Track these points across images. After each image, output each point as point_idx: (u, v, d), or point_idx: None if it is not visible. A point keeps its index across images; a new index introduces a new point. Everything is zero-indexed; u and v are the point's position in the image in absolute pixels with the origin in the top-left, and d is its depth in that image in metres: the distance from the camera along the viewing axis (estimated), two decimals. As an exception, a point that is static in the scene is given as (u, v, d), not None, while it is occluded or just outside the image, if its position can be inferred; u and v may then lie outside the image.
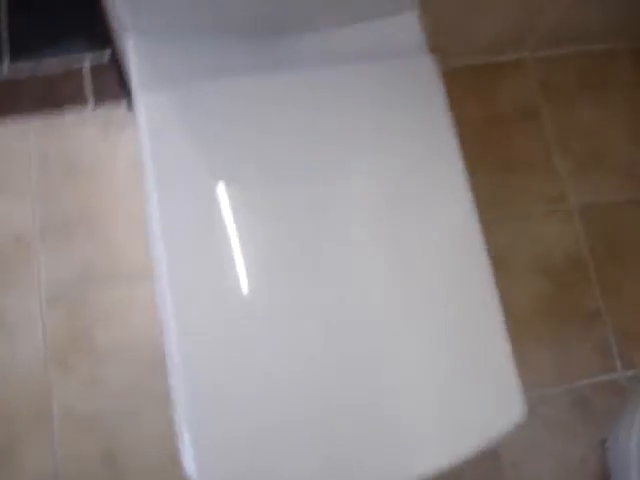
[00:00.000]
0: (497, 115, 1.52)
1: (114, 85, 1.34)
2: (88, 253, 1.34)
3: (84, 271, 1.33)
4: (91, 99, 1.40)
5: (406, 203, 0.94)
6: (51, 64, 1.42)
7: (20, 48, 1.42)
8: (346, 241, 0.92)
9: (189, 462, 0.82)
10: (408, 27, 1.02)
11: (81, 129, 1.41)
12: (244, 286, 0.90)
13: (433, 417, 0.87)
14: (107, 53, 1.42)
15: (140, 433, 1.26)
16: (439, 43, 1.44)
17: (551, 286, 1.43)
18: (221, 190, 0.93)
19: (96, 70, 1.43)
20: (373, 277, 0.91)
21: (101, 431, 1.26)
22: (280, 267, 0.91)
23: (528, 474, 1.33)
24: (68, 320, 1.30)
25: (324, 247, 0.92)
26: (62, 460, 1.24)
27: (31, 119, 1.40)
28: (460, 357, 0.89)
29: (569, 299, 1.43)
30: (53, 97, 1.41)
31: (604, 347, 1.40)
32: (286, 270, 0.91)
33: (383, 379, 0.87)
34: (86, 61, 1.43)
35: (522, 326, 1.40)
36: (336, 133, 0.96)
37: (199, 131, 0.95)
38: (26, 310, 1.30)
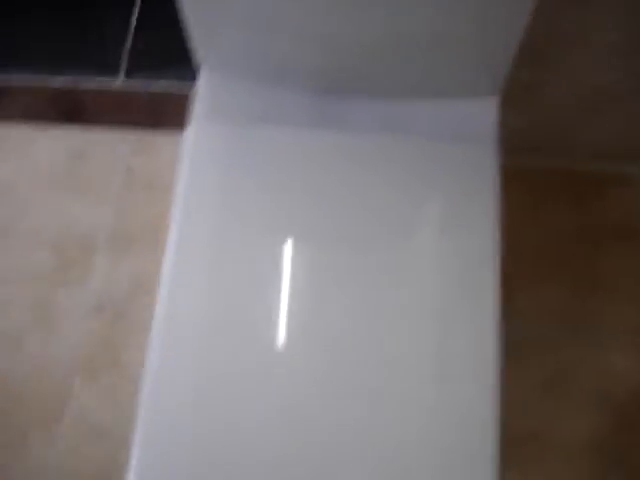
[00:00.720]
0: (589, 229, 1.41)
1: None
2: (143, 269, 1.37)
3: (134, 285, 1.36)
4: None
5: (431, 309, 0.88)
6: (161, 84, 1.49)
7: (137, 65, 1.50)
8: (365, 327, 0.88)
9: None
10: (481, 113, 0.96)
11: (172, 151, 1.44)
12: (250, 331, 0.88)
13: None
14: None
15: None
16: (533, 139, 1.39)
17: (608, 422, 1.30)
18: (248, 241, 0.92)
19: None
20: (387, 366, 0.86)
21: (108, 443, 1.26)
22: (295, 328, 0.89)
23: None
24: (107, 329, 1.33)
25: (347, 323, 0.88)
26: (62, 462, 1.26)
27: (129, 131, 1.46)
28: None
29: (624, 441, 1.29)
30: (155, 115, 1.47)
31: (651, 505, 1.25)
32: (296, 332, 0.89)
33: (358, 447, 0.82)
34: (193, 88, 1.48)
35: (565, 455, 1.27)
36: (375, 209, 0.93)
37: (241, 173, 0.95)
38: (71, 311, 1.34)
